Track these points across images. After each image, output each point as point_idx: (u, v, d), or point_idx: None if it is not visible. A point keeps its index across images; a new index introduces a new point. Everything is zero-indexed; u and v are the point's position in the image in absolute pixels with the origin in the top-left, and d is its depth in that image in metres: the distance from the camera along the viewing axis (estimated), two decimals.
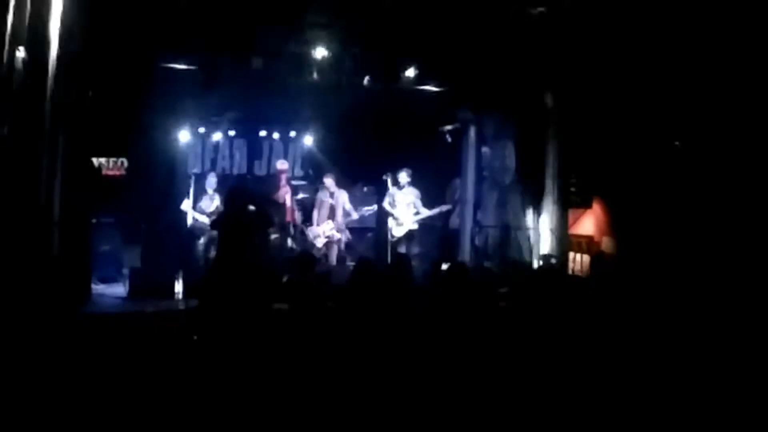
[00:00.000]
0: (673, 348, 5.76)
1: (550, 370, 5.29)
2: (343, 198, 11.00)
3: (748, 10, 7.52)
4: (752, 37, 7.60)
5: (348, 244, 12.36)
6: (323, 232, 10.88)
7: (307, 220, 11.16)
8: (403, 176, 11.02)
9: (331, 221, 10.88)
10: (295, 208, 11.13)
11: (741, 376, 5.53)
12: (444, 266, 5.55)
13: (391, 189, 11.07)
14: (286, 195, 10.91)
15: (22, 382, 5.83)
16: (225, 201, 8.17)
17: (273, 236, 10.62)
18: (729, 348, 5.87)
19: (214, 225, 8.58)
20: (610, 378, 5.60)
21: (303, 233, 11.14)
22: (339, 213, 10.90)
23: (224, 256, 7.27)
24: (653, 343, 5.79)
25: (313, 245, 10.81)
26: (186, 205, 10.28)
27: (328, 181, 10.96)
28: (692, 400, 5.26)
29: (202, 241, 10.12)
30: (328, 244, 10.90)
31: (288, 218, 10.92)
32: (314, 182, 11.70)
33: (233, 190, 7.87)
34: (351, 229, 12.61)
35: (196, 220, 10.16)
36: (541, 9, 8.45)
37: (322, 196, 11.03)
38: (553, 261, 9.02)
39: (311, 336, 6.08)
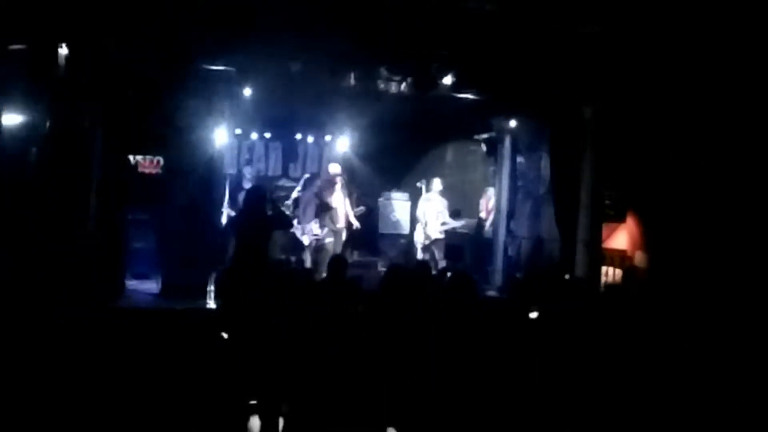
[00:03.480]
0: (704, 362, 5.69)
1: (571, 381, 5.24)
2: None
3: None
4: None
5: (379, 249, 12.22)
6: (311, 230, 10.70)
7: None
8: (437, 184, 11.02)
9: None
10: (350, 212, 10.70)
11: None
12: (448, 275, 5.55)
13: (424, 195, 11.06)
14: (338, 201, 10.52)
15: (52, 374, 5.95)
16: (244, 203, 8.22)
17: (327, 241, 10.42)
18: (763, 365, 5.77)
19: (229, 224, 8.63)
20: (637, 394, 5.53)
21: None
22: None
23: (242, 256, 7.34)
24: (684, 356, 5.72)
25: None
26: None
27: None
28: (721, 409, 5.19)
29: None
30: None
31: (340, 224, 10.54)
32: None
33: (252, 192, 7.94)
34: (383, 235, 12.48)
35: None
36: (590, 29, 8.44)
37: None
38: (578, 274, 8.93)
39: (342, 339, 6.10)
